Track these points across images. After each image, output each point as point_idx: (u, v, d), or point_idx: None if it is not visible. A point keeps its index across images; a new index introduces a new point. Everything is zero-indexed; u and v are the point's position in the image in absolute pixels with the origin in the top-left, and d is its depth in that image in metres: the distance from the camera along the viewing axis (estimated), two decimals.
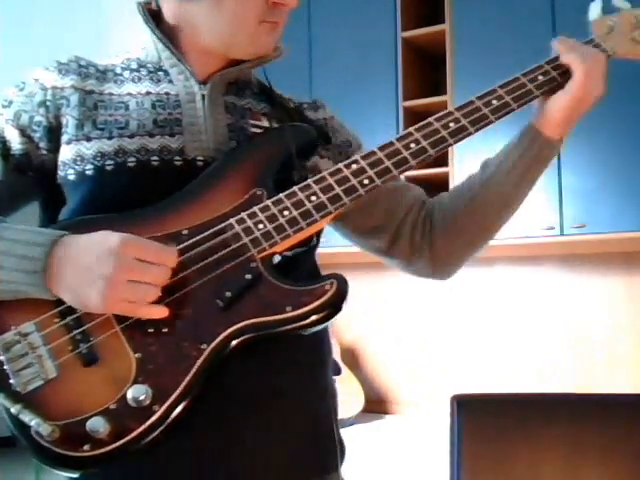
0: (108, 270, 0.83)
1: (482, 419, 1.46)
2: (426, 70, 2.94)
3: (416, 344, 3.09)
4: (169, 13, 1.05)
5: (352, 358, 3.18)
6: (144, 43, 1.07)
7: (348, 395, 2.87)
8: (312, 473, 1.00)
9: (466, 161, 2.58)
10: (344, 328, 3.20)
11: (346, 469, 1.07)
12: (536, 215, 2.51)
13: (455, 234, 1.13)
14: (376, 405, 3.09)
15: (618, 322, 2.72)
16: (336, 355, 3.01)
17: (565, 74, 1.05)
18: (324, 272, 1.07)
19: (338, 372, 2.95)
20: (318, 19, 2.95)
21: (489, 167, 1.11)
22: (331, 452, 1.02)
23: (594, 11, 1.13)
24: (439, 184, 2.73)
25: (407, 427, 2.80)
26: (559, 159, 2.46)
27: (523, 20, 2.57)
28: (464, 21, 2.70)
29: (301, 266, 1.01)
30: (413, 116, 2.83)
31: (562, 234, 2.49)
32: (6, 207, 1.01)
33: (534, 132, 1.06)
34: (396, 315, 3.12)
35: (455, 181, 2.65)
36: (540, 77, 1.06)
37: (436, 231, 1.13)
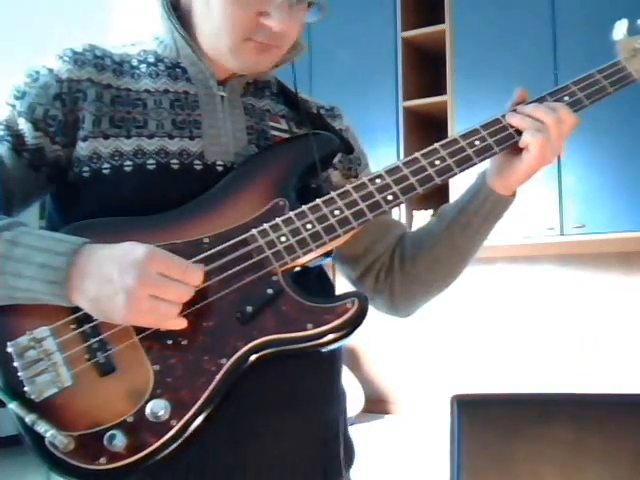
0: (130, 283, 0.80)
1: (482, 419, 1.46)
2: (426, 70, 2.94)
3: (416, 344, 3.09)
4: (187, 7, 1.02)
5: (352, 358, 3.18)
6: (160, 35, 1.04)
7: (348, 395, 2.87)
8: (326, 477, 0.99)
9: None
10: None
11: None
12: (536, 215, 2.51)
13: (412, 281, 1.12)
14: (376, 405, 3.09)
15: (617, 322, 2.72)
16: None
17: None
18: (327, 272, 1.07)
19: None
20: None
21: (445, 219, 1.08)
22: (343, 456, 1.01)
23: (620, 31, 1.10)
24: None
25: (407, 427, 2.80)
26: (559, 159, 2.46)
27: (523, 20, 2.57)
28: (464, 21, 2.69)
29: (316, 276, 1.00)
30: (413, 116, 2.84)
31: (562, 234, 2.49)
32: (20, 203, 0.98)
33: (488, 190, 1.03)
34: None
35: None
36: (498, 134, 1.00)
37: (394, 276, 1.12)
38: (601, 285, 2.77)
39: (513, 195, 1.04)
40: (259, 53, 0.98)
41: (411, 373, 3.10)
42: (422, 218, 2.72)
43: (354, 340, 3.20)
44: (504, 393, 1.92)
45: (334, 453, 1.00)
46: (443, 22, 2.73)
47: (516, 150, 0.99)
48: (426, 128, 2.84)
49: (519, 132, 0.98)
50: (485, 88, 2.54)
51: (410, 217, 2.75)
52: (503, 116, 1.00)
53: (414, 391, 3.08)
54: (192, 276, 0.84)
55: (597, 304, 2.76)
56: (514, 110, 1.00)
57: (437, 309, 3.04)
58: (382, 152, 2.73)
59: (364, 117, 2.76)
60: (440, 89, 2.77)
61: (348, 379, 2.97)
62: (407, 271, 1.11)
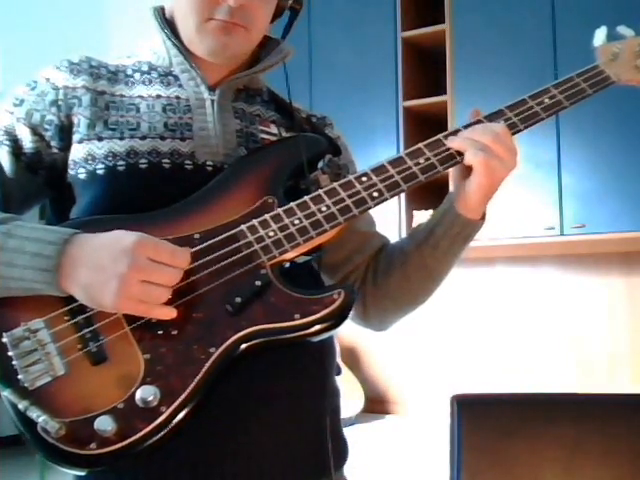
0: (121, 269, 0.83)
1: (482, 419, 1.46)
2: (426, 70, 2.94)
3: (416, 344, 3.09)
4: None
5: (352, 358, 3.18)
6: (154, 46, 1.08)
7: (348, 395, 2.87)
8: (311, 475, 1.00)
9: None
10: (344, 328, 3.20)
11: (346, 469, 1.07)
12: (536, 215, 2.51)
13: (383, 296, 1.12)
14: (376, 405, 3.09)
15: (617, 322, 2.72)
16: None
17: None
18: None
19: (338, 372, 2.94)
20: (318, 19, 2.95)
21: (416, 238, 1.10)
22: (332, 453, 1.01)
23: (599, 37, 1.13)
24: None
25: (407, 427, 2.80)
26: (559, 159, 2.47)
27: (523, 20, 2.58)
28: (464, 21, 2.70)
29: (306, 273, 1.01)
30: (413, 116, 2.84)
31: (562, 234, 2.49)
32: (18, 206, 1.01)
33: (454, 213, 1.04)
34: None
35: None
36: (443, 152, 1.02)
37: (367, 289, 1.13)
38: (601, 285, 2.77)
39: (482, 218, 1.05)
40: (223, 33, 1.01)
41: (411, 373, 3.10)
42: (422, 218, 2.72)
43: (354, 340, 3.20)
44: (504, 393, 1.92)
45: (320, 451, 1.00)
46: (443, 22, 2.74)
47: (468, 172, 1.01)
48: (426, 128, 2.84)
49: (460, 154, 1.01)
50: (485, 88, 2.54)
51: (410, 217, 2.75)
52: (445, 137, 1.02)
53: (414, 391, 3.08)
54: (180, 259, 0.87)
55: (597, 304, 2.77)
56: (454, 134, 1.02)
57: (437, 309, 3.04)
58: (382, 152, 2.73)
59: (364, 117, 2.77)
60: (440, 89, 2.77)
61: (348, 379, 2.97)
62: (379, 285, 1.12)
